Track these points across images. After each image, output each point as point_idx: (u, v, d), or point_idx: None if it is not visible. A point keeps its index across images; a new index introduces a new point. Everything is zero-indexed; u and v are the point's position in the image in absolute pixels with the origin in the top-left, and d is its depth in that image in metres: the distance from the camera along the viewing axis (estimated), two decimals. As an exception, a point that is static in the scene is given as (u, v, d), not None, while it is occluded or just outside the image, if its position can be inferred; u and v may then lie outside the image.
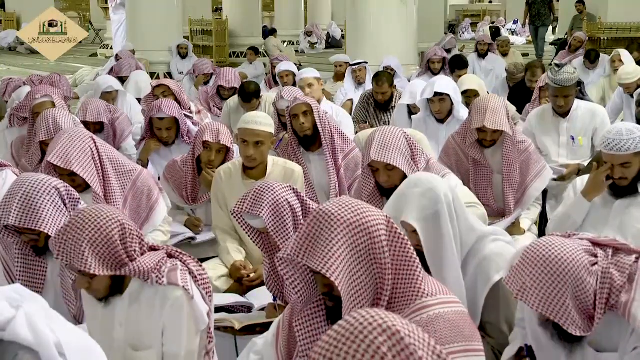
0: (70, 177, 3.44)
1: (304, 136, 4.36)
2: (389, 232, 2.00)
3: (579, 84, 4.82)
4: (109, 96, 6.30)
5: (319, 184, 4.36)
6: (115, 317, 2.43)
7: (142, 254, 2.40)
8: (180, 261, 2.46)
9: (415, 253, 2.05)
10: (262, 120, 3.82)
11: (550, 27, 17.27)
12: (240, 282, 3.59)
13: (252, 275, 3.57)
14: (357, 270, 1.94)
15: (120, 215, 2.38)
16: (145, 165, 4.64)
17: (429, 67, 8.40)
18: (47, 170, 3.45)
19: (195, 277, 2.44)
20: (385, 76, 6.47)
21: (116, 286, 2.39)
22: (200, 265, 2.51)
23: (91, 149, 3.50)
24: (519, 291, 2.25)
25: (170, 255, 2.48)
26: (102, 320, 2.45)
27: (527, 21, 15.61)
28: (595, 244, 2.34)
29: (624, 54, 7.64)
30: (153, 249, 2.47)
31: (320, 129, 4.27)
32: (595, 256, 2.29)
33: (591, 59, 9.00)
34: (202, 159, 4.17)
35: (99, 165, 3.52)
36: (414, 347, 1.35)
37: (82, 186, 3.48)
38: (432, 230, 2.58)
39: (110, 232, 2.31)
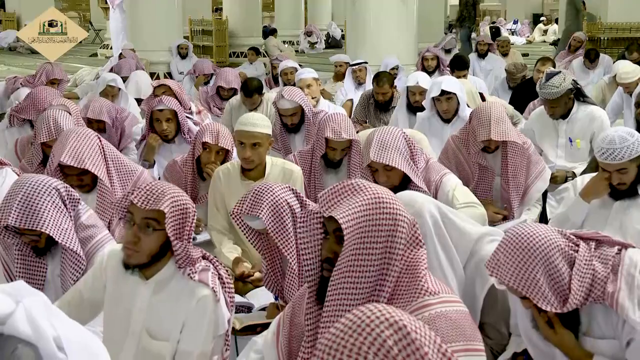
0: (78, 176, 3.46)
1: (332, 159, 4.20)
2: (411, 234, 2.01)
3: (576, 88, 4.79)
4: (110, 90, 6.32)
5: None
6: (137, 302, 2.45)
7: None
8: (213, 265, 2.50)
9: (425, 254, 2.06)
10: (259, 122, 3.81)
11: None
12: (242, 279, 3.60)
13: (256, 274, 3.58)
14: (368, 243, 1.95)
15: None
16: (152, 166, 4.66)
17: (423, 65, 8.40)
18: (53, 171, 3.46)
19: (224, 283, 2.48)
20: (386, 76, 6.47)
21: (153, 260, 2.42)
22: (228, 273, 2.55)
23: (99, 146, 3.54)
24: (492, 269, 2.30)
25: (204, 257, 2.52)
26: (122, 303, 2.48)
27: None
28: (578, 237, 2.37)
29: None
30: None
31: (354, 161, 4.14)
32: (577, 245, 2.32)
33: (591, 58, 8.99)
34: (202, 160, 4.18)
35: (105, 163, 3.54)
36: (419, 342, 1.36)
37: (90, 186, 3.50)
38: None
39: (187, 204, 2.41)
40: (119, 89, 6.44)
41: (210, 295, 2.40)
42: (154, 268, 2.45)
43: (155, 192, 2.36)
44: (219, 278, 2.47)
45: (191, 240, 2.44)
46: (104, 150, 3.56)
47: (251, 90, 6.15)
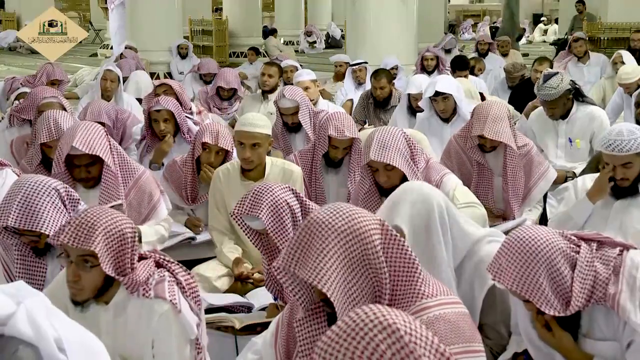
0: (87, 167, 3.48)
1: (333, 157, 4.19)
2: (383, 235, 1.98)
3: (574, 88, 4.79)
4: (109, 75, 6.41)
5: (336, 195, 4.24)
6: (101, 328, 2.38)
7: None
8: (169, 271, 2.43)
9: (413, 254, 2.04)
10: (258, 122, 3.81)
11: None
12: (242, 280, 3.60)
13: (256, 275, 3.58)
14: (352, 278, 1.92)
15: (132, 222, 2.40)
16: (160, 168, 4.63)
17: (423, 65, 8.42)
18: (62, 164, 3.47)
19: (184, 287, 2.40)
20: (384, 72, 6.52)
21: (101, 292, 2.35)
22: (189, 274, 2.47)
23: (106, 138, 3.55)
24: (495, 273, 2.28)
25: (158, 264, 2.45)
26: (88, 329, 2.42)
27: None
28: (579, 238, 2.36)
29: (625, 54, 7.64)
30: (141, 257, 2.44)
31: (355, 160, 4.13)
32: (578, 247, 2.31)
33: (575, 40, 8.99)
34: (202, 160, 4.18)
35: (112, 156, 3.55)
36: (413, 345, 1.36)
37: (95, 179, 3.52)
38: (422, 235, 2.58)
39: (124, 229, 2.32)
40: (119, 77, 6.51)
41: (170, 308, 2.34)
42: (108, 294, 2.38)
43: (85, 228, 2.26)
44: (177, 284, 2.39)
45: (135, 263, 2.35)
46: (110, 142, 3.57)
47: (273, 61, 6.21)
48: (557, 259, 2.25)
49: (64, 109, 4.58)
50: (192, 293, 2.43)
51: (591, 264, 2.29)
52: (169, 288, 2.36)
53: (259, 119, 3.86)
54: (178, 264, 2.48)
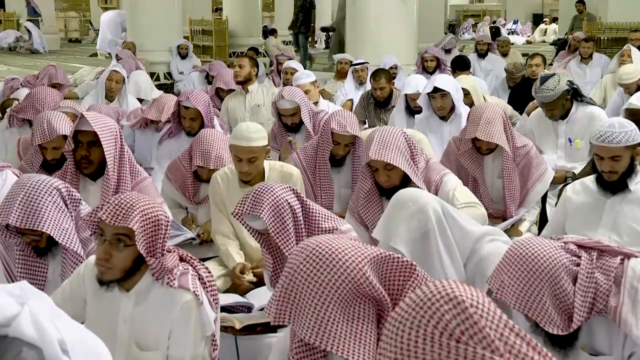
0: (89, 147, 3.50)
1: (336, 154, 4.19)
2: (375, 258, 1.99)
3: (572, 88, 4.78)
4: (114, 75, 6.45)
5: (338, 195, 4.25)
6: (120, 314, 2.44)
7: None
8: (191, 266, 2.48)
9: (408, 259, 2.04)
10: (254, 135, 3.67)
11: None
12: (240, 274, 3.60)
13: (251, 277, 3.57)
14: (353, 317, 1.95)
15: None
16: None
17: (424, 66, 8.45)
18: (69, 143, 3.52)
19: (205, 283, 2.46)
20: (383, 72, 6.51)
21: (127, 276, 2.40)
22: (209, 272, 2.53)
23: (115, 134, 3.53)
24: (497, 289, 2.26)
25: (181, 259, 2.50)
26: (105, 316, 2.46)
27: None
28: (580, 246, 2.33)
29: (635, 51, 7.61)
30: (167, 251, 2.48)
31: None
32: (579, 257, 2.28)
33: (585, 40, 8.98)
34: (198, 172, 4.21)
35: (118, 152, 3.55)
36: (477, 317, 1.40)
37: (95, 165, 3.52)
38: (421, 250, 2.61)
39: (159, 215, 2.37)
40: (124, 78, 6.52)
41: (193, 299, 2.39)
42: (132, 280, 2.43)
43: (124, 207, 2.32)
44: (199, 279, 2.45)
45: (165, 250, 2.40)
46: (121, 140, 3.55)
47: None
48: (560, 275, 2.21)
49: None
50: (211, 289, 2.48)
51: (591, 276, 2.25)
52: (192, 280, 2.41)
53: (254, 131, 3.71)
54: (198, 261, 2.53)
